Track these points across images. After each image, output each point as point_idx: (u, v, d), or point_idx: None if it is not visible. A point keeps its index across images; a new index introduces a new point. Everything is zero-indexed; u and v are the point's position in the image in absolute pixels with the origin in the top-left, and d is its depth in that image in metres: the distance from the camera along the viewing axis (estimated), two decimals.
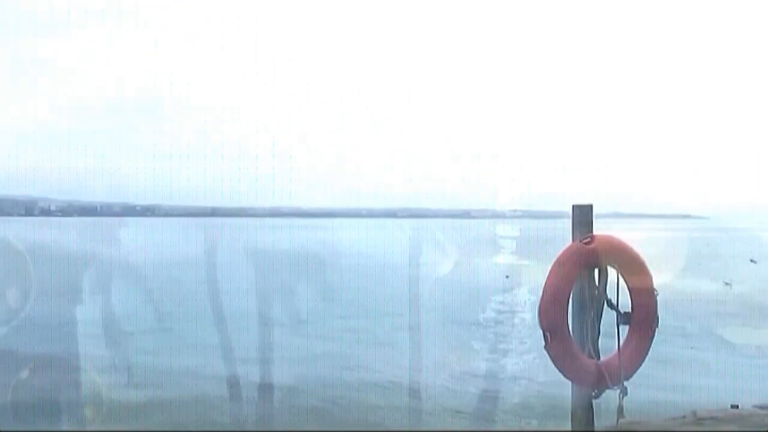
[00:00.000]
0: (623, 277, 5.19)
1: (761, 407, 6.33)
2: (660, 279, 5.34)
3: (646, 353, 5.22)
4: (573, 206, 5.37)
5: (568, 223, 5.40)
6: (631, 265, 5.23)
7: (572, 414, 5.27)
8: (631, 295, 5.25)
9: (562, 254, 5.19)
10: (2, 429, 8.24)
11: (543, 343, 5.04)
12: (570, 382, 5.18)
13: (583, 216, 5.33)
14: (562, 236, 5.34)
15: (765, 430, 5.70)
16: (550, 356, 5.05)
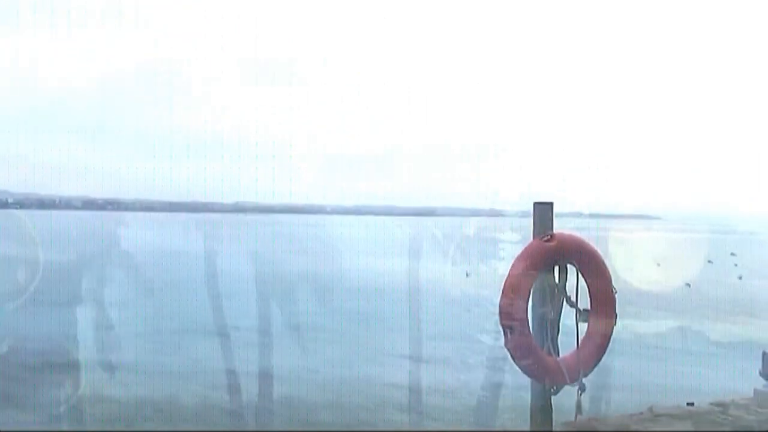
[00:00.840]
0: (583, 275, 5.22)
1: (716, 404, 6.42)
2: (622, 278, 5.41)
3: (605, 350, 5.26)
4: (534, 204, 5.39)
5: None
6: (591, 263, 5.27)
7: (531, 411, 5.29)
8: (590, 293, 5.29)
9: (523, 252, 5.21)
10: (2, 429, 8.14)
11: (503, 340, 5.06)
12: (529, 379, 5.20)
13: (543, 214, 5.35)
14: (526, 235, 5.36)
15: (722, 431, 5.78)
16: (510, 352, 5.07)
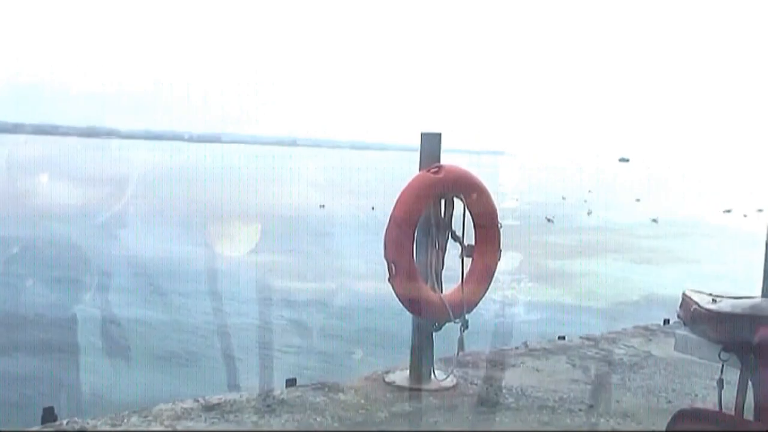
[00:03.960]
0: (469, 209, 5.08)
1: (585, 338, 6.56)
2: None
3: (488, 286, 5.18)
4: (421, 134, 5.17)
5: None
6: (477, 197, 5.13)
7: (412, 347, 5.17)
8: (475, 227, 5.16)
9: (410, 184, 4.99)
10: (2, 429, 7.79)
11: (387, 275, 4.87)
12: (412, 315, 5.07)
13: (430, 145, 5.15)
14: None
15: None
16: (394, 289, 4.89)
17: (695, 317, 2.85)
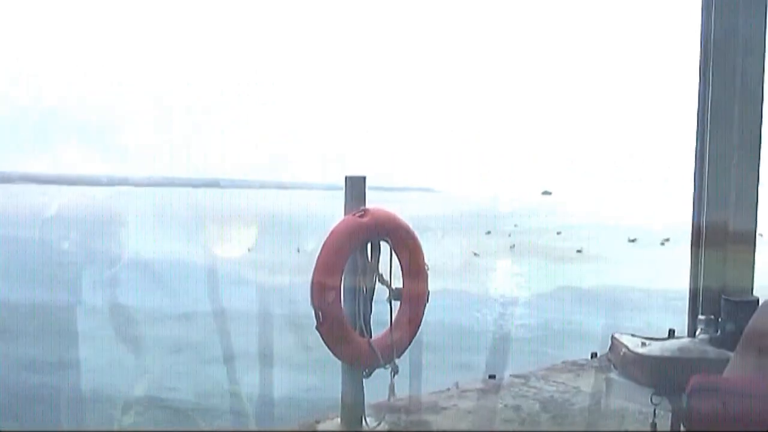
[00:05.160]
0: (396, 252, 5.03)
1: (516, 376, 6.55)
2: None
3: (417, 329, 5.11)
4: (345, 178, 5.10)
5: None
6: (403, 240, 5.08)
7: (342, 395, 5.05)
8: (402, 270, 5.11)
9: (335, 228, 4.91)
10: (2, 429, 7.74)
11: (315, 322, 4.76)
12: (341, 362, 4.96)
13: (355, 188, 5.08)
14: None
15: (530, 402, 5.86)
16: (322, 336, 4.78)
17: (625, 361, 2.84)
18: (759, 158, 4.49)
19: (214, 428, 8.25)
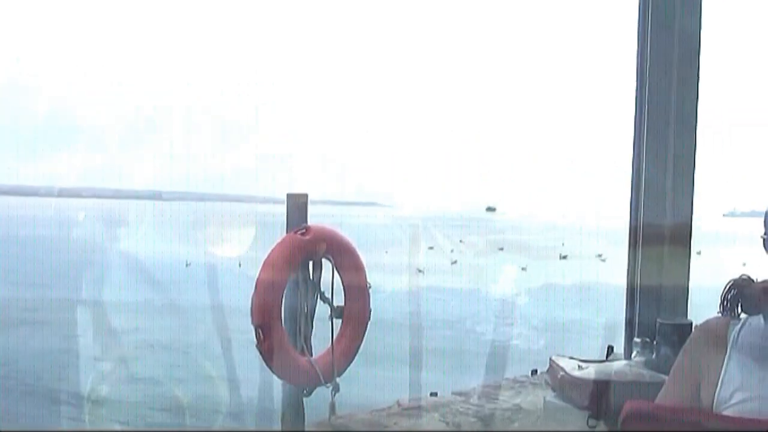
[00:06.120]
0: (337, 269, 5.01)
1: (458, 393, 6.55)
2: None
3: (359, 348, 5.10)
4: (287, 195, 5.07)
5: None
6: (345, 257, 5.07)
7: (282, 414, 5.00)
8: (344, 288, 5.09)
9: (277, 246, 4.87)
10: (2, 429, 7.69)
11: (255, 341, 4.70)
12: (281, 381, 4.91)
13: (297, 205, 5.05)
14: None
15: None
16: (262, 354, 4.73)
17: (563, 384, 2.86)
18: (693, 180, 4.58)
19: (214, 428, 8.13)
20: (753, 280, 2.28)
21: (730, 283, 2.31)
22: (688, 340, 2.36)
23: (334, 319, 5.04)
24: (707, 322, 2.37)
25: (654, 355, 4.18)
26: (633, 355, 4.31)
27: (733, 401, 2.15)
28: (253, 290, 4.75)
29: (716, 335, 2.28)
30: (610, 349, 4.86)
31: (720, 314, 2.32)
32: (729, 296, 2.30)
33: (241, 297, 4.99)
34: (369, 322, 5.12)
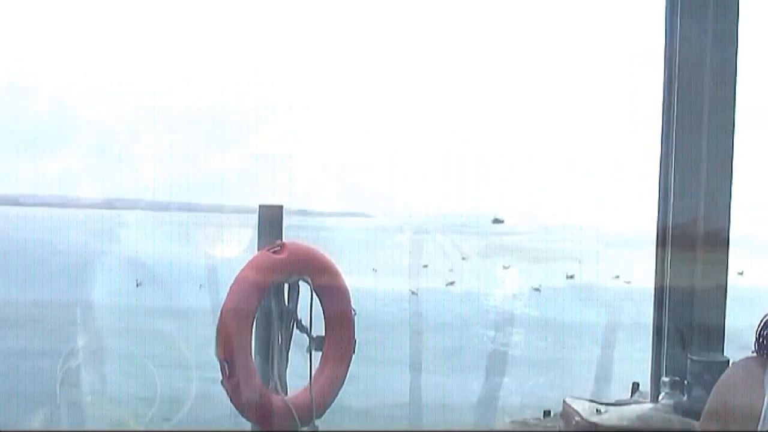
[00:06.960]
0: (316, 293, 4.35)
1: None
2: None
3: (342, 384, 4.43)
4: (260, 206, 4.42)
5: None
6: (326, 279, 4.41)
7: None
8: (324, 315, 4.43)
9: (247, 266, 4.22)
10: (2, 429, 7.55)
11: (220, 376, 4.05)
12: (250, 424, 4.25)
13: (271, 218, 4.40)
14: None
15: None
16: (228, 393, 4.07)
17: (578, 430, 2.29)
18: (730, 186, 3.98)
19: (214, 428, 7.57)
20: None
21: (766, 317, 2.00)
22: (720, 381, 2.04)
23: (313, 352, 4.37)
24: (745, 360, 2.06)
25: (685, 397, 3.67)
26: (660, 396, 3.77)
27: None
28: (217, 318, 4.10)
29: (753, 376, 1.96)
30: (636, 386, 4.24)
31: (754, 353, 2.01)
32: (765, 332, 1.99)
33: (203, 324, 4.34)
34: (353, 355, 4.45)
